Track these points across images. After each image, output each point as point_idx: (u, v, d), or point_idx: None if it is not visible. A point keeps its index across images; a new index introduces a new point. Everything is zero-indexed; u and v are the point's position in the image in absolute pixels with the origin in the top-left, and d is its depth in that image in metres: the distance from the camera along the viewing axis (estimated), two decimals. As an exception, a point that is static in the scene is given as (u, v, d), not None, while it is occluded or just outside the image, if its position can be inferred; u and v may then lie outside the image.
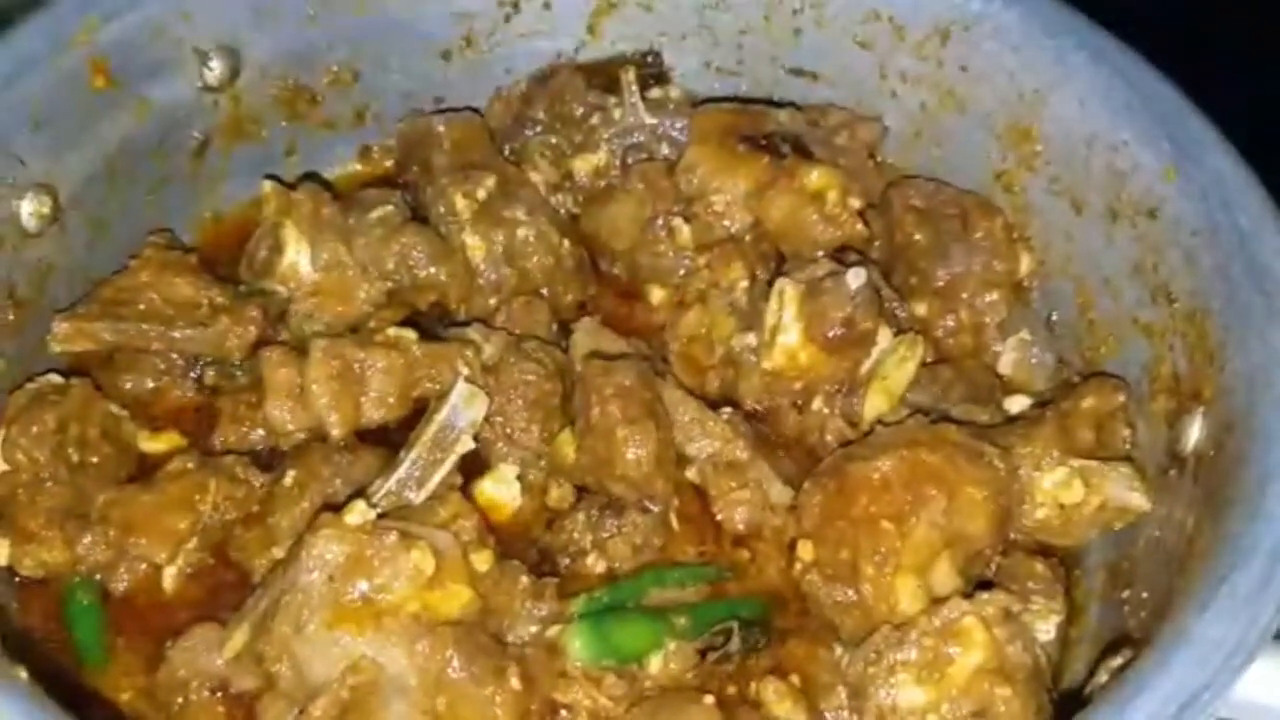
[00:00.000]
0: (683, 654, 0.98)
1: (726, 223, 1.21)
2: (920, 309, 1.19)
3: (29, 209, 1.07)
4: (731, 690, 0.98)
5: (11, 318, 1.06)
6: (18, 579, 1.01)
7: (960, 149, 1.23)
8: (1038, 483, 1.04)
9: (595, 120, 1.28)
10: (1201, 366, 0.99)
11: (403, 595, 0.89)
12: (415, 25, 1.28)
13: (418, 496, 0.98)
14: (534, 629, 0.97)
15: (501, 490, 1.08)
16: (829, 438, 1.11)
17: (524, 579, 0.98)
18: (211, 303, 1.13)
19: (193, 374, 1.14)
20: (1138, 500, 1.01)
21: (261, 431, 1.09)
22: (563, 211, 1.26)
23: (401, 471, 0.99)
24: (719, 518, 1.09)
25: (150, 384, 1.13)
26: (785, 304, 1.10)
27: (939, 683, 0.91)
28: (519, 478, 1.09)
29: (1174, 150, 1.04)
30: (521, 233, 1.19)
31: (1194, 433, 0.98)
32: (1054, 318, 1.19)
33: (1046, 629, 0.98)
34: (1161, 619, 0.84)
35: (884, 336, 1.11)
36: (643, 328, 1.21)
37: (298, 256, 1.15)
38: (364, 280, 1.15)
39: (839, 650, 0.97)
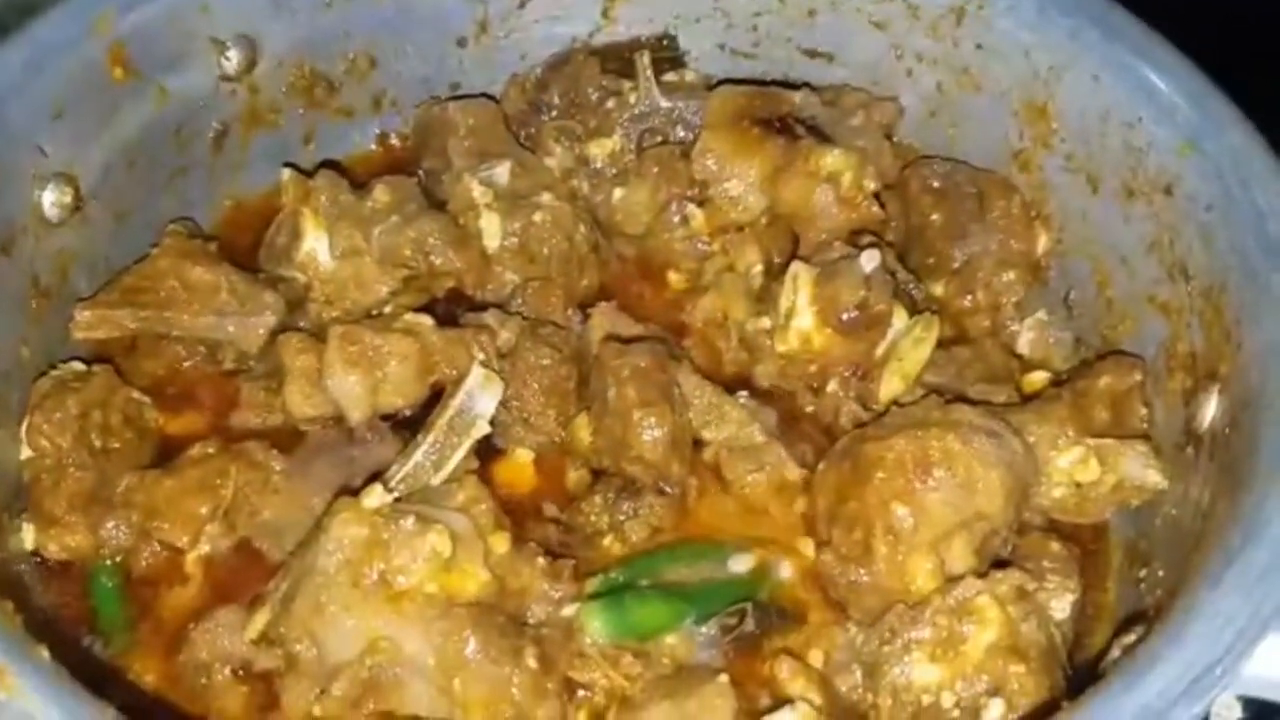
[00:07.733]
0: (698, 633, 0.99)
1: (741, 207, 1.21)
2: (937, 289, 1.19)
3: (51, 199, 1.08)
4: (746, 669, 0.99)
5: (35, 306, 1.08)
6: (42, 562, 1.02)
7: (976, 128, 1.23)
8: (1053, 462, 1.03)
9: (610, 105, 1.28)
10: (1218, 344, 0.98)
11: (420, 577, 0.90)
12: (431, 12, 1.29)
13: (434, 480, 0.99)
14: (551, 609, 0.97)
15: (517, 473, 1.09)
16: (844, 420, 1.11)
17: (540, 560, 0.98)
18: (231, 289, 1.14)
19: (213, 359, 1.15)
20: (1154, 478, 1.01)
21: (281, 416, 1.10)
22: (578, 196, 1.26)
23: (418, 455, 1.00)
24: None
25: (171, 370, 1.14)
26: (799, 287, 1.10)
27: (953, 660, 0.91)
28: (534, 461, 1.09)
29: (1189, 126, 1.03)
30: (537, 217, 1.19)
31: (1210, 410, 0.97)
32: (1072, 296, 1.18)
33: (1061, 607, 0.98)
34: (1176, 595, 0.84)
35: (899, 318, 1.11)
36: (659, 312, 1.21)
37: (316, 244, 1.16)
38: (381, 267, 1.16)
39: (853, 629, 0.97)
